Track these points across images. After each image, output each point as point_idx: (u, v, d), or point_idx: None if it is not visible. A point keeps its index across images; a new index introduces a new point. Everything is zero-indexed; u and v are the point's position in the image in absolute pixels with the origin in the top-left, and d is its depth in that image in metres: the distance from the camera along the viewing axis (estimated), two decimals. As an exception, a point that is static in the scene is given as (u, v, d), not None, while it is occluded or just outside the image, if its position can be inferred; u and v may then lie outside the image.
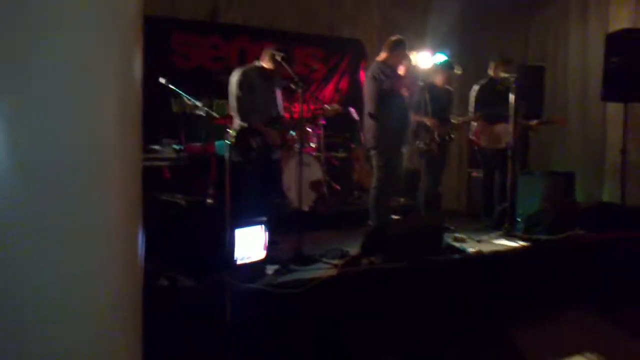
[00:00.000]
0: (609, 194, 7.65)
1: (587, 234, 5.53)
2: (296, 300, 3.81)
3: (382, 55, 5.47)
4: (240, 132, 4.95)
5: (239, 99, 4.95)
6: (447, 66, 6.08)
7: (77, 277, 2.04)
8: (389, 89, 5.25)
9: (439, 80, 6.11)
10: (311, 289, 3.87)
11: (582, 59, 8.08)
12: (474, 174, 7.78)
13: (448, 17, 8.84)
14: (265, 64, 5.09)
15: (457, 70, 6.17)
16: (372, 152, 5.43)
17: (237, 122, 5.02)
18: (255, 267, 4.02)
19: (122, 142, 2.23)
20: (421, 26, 9.14)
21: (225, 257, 3.66)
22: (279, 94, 5.29)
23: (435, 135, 5.83)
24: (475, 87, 6.43)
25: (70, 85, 2.01)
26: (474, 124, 6.40)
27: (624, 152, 6.46)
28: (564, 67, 8.36)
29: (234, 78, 5.02)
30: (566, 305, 5.05)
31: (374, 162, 5.43)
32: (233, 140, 4.95)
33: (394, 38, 5.54)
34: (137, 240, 2.36)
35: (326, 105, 5.80)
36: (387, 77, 5.22)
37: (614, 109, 7.49)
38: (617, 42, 6.34)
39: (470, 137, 6.54)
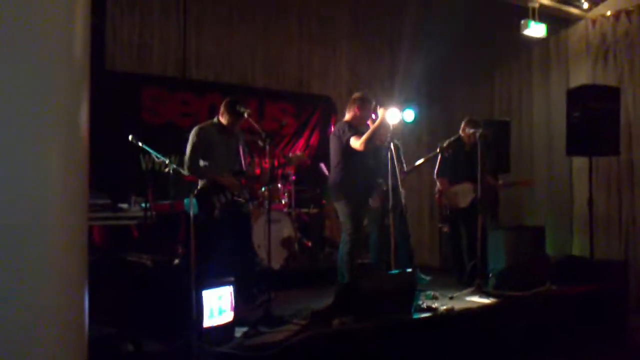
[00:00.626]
0: (578, 246, 7.72)
1: (558, 288, 5.53)
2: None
3: (347, 116, 5.48)
4: (202, 191, 4.92)
5: (192, 154, 4.98)
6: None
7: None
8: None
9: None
10: (281, 352, 3.78)
11: (546, 113, 8.27)
12: (446, 229, 7.80)
13: (415, 73, 9.03)
14: (223, 119, 5.10)
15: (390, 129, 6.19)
16: (338, 204, 5.35)
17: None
18: (223, 330, 3.91)
19: (66, 204, 2.15)
20: (388, 82, 9.32)
21: (192, 320, 3.55)
22: (241, 150, 5.28)
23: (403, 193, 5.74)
24: (444, 144, 6.49)
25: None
26: (438, 184, 6.47)
27: (590, 205, 6.55)
28: (529, 121, 8.54)
29: (191, 134, 5.05)
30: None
31: (341, 215, 5.34)
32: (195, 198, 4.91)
33: (357, 95, 5.53)
34: (83, 310, 2.25)
35: (291, 154, 5.75)
36: (353, 133, 5.21)
37: (580, 162, 7.63)
38: (577, 98, 6.51)
39: (435, 195, 6.58)
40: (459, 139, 6.34)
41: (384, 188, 5.51)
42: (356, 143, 5.16)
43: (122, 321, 3.72)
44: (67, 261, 2.19)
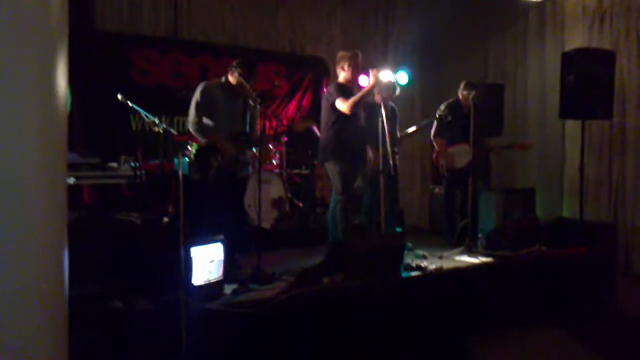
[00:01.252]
0: (568, 209, 7.75)
1: (548, 249, 5.56)
2: (255, 320, 3.73)
3: (340, 77, 5.42)
4: (200, 150, 4.86)
5: (196, 112, 4.84)
6: (388, 85, 6.04)
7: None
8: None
9: (378, 98, 6.06)
10: (270, 308, 3.80)
11: (540, 77, 8.21)
12: (437, 190, 7.82)
13: (409, 36, 8.95)
14: (231, 78, 4.95)
15: (397, 92, 6.13)
16: (327, 165, 5.33)
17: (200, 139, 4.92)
18: (212, 287, 3.93)
19: (43, 160, 2.11)
20: (382, 44, 9.23)
21: (181, 277, 3.55)
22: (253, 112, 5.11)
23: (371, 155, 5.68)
24: (442, 106, 6.46)
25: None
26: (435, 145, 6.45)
27: (581, 168, 6.55)
28: (524, 85, 8.49)
29: (196, 92, 4.92)
30: (529, 321, 5.05)
31: (331, 175, 5.32)
32: (192, 157, 4.86)
33: (342, 53, 5.48)
34: (62, 263, 2.23)
35: (298, 122, 5.63)
36: (339, 95, 5.16)
37: (573, 126, 7.61)
38: (572, 61, 6.44)
39: (433, 156, 6.55)
40: (457, 101, 6.31)
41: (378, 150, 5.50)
42: (342, 106, 5.12)
43: (111, 279, 3.73)
44: (45, 221, 2.16)
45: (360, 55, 5.42)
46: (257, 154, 4.88)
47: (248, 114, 4.75)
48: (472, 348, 4.51)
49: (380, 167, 5.19)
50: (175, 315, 3.45)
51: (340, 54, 5.43)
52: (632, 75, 7.09)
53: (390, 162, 5.25)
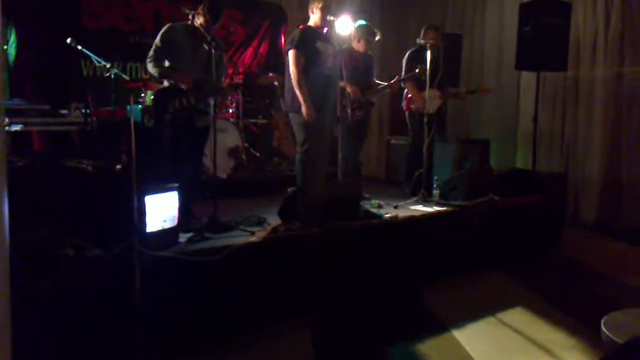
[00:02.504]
0: (522, 160, 7.91)
1: (501, 199, 5.66)
2: (209, 268, 3.72)
3: (311, 20, 5.24)
4: (158, 94, 4.71)
5: (155, 48, 4.60)
6: (368, 32, 5.99)
7: None
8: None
9: (358, 46, 6.02)
10: (225, 256, 3.78)
11: (498, 28, 8.25)
12: (393, 141, 7.85)
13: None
14: (198, 20, 4.65)
15: (378, 36, 6.07)
16: (292, 115, 5.21)
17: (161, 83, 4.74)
18: (167, 235, 3.88)
19: None
20: (342, -9, 9.08)
21: (135, 225, 3.48)
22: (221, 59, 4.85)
23: (348, 103, 5.53)
24: (407, 54, 6.42)
25: None
26: (406, 90, 6.38)
27: (535, 120, 6.66)
28: (481, 36, 8.51)
29: (160, 32, 4.68)
30: (483, 269, 5.22)
31: (294, 125, 5.20)
32: (149, 103, 4.72)
33: None
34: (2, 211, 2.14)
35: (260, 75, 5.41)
36: (297, 46, 5.05)
37: (528, 78, 7.70)
38: (530, 12, 6.47)
39: (402, 103, 6.48)
40: (421, 48, 6.26)
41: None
42: (291, 62, 5.01)
43: (62, 226, 3.63)
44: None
45: None
46: (212, 102, 4.75)
47: (213, 61, 4.50)
48: (422, 293, 4.61)
49: (337, 113, 5.14)
50: (128, 263, 3.40)
51: None
52: (587, 28, 7.18)
53: (349, 110, 5.21)
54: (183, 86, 4.52)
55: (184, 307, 3.61)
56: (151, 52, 4.60)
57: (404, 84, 6.29)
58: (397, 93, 6.67)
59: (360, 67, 5.93)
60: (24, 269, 3.07)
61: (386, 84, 6.05)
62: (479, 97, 8.14)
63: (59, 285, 3.29)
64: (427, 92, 5.91)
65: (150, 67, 4.60)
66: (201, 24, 4.63)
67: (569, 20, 6.55)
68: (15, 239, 2.38)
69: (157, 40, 4.62)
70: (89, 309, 3.30)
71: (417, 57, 6.24)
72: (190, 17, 4.58)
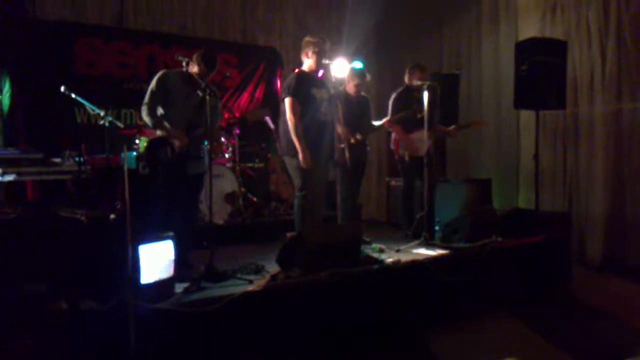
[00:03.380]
0: (524, 199, 7.79)
1: (505, 240, 5.53)
2: (207, 319, 3.57)
3: (304, 65, 5.21)
4: (150, 143, 4.63)
5: (150, 94, 4.54)
6: (359, 73, 5.95)
7: None
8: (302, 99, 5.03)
9: (351, 88, 5.96)
10: (223, 307, 3.63)
11: (494, 67, 8.23)
12: (393, 182, 7.75)
13: (363, 24, 8.84)
14: (192, 68, 4.62)
15: (368, 77, 6.03)
16: (286, 159, 5.13)
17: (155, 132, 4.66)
18: (163, 286, 3.73)
19: None
20: (336, 34, 9.11)
21: (128, 276, 3.34)
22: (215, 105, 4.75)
23: (344, 145, 5.48)
24: (393, 95, 6.37)
25: None
26: (393, 133, 6.31)
27: (536, 158, 6.57)
28: (478, 75, 8.49)
29: (154, 78, 4.64)
30: (487, 312, 5.05)
31: (290, 169, 5.13)
32: (143, 151, 4.63)
33: (310, 38, 5.21)
34: None
35: (251, 111, 5.38)
36: (291, 92, 4.99)
37: (527, 116, 7.65)
38: (525, 51, 6.43)
39: (391, 146, 6.42)
40: (407, 87, 6.23)
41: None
42: (288, 109, 4.97)
43: (55, 279, 3.50)
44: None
45: (328, 43, 5.17)
46: (208, 147, 4.65)
47: (208, 107, 4.39)
48: (429, 339, 4.45)
49: (335, 158, 5.06)
50: (123, 315, 3.26)
51: (307, 39, 5.20)
52: (584, 65, 7.16)
53: (347, 154, 5.12)
54: (176, 143, 4.44)
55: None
56: (147, 99, 4.55)
57: (390, 127, 6.22)
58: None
59: (354, 109, 5.87)
60: (17, 325, 2.94)
61: (377, 124, 6.02)
62: (479, 136, 8.12)
63: (53, 342, 3.15)
64: (421, 133, 5.85)
65: (144, 115, 4.54)
66: (195, 72, 4.58)
67: (565, 58, 6.53)
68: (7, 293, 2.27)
69: (153, 85, 4.56)
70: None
71: (403, 98, 6.20)
72: (184, 64, 4.52)
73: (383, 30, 8.99)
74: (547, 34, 7.38)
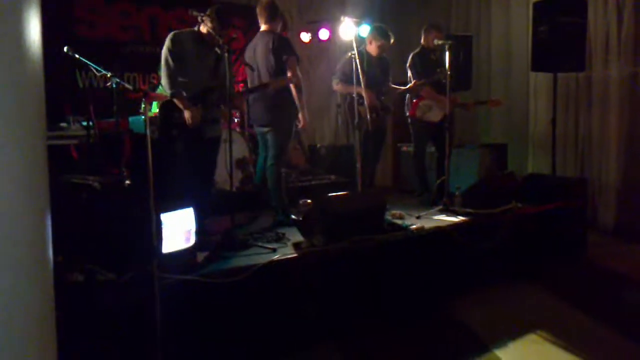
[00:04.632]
0: (533, 164, 7.65)
1: (526, 206, 5.39)
2: (234, 290, 3.41)
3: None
4: (164, 107, 4.40)
5: (167, 68, 4.32)
6: (380, 34, 5.73)
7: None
8: None
9: (373, 49, 5.75)
10: (250, 276, 3.47)
11: (505, 30, 8.01)
12: (405, 148, 7.56)
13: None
14: (204, 27, 4.39)
15: (392, 39, 5.81)
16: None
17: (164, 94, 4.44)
18: (185, 256, 3.55)
19: (18, 120, 1.78)
20: (343, -4, 8.84)
21: (150, 246, 3.15)
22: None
23: (367, 109, 5.27)
24: (410, 57, 6.14)
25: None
26: (408, 96, 6.11)
27: (553, 122, 6.41)
28: (488, 39, 8.26)
29: (166, 41, 4.40)
30: (512, 280, 4.96)
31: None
32: (156, 114, 4.42)
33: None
34: (45, 231, 1.92)
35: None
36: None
37: (537, 80, 7.46)
38: (545, 11, 6.22)
39: (406, 109, 6.21)
40: (423, 49, 6.02)
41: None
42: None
43: (69, 249, 3.30)
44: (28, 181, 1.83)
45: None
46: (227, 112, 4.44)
47: (226, 67, 4.17)
48: (454, 309, 4.33)
49: (356, 121, 4.87)
50: (144, 287, 3.08)
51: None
52: (599, 27, 6.93)
53: (368, 117, 4.92)
54: (189, 120, 4.25)
55: (206, 335, 3.30)
56: (165, 69, 4.33)
57: (419, 91, 5.99)
58: (402, 98, 6.38)
59: (376, 71, 5.65)
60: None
61: (404, 88, 5.79)
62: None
63: (68, 315, 2.97)
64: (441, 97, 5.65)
65: (165, 84, 4.33)
66: (209, 30, 4.34)
67: (585, 18, 6.31)
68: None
69: (166, 52, 4.33)
70: (102, 341, 2.98)
71: (421, 60, 5.98)
72: (199, 19, 4.27)
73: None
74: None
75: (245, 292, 3.47)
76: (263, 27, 5.08)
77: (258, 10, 5.05)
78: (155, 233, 3.09)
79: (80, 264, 3.27)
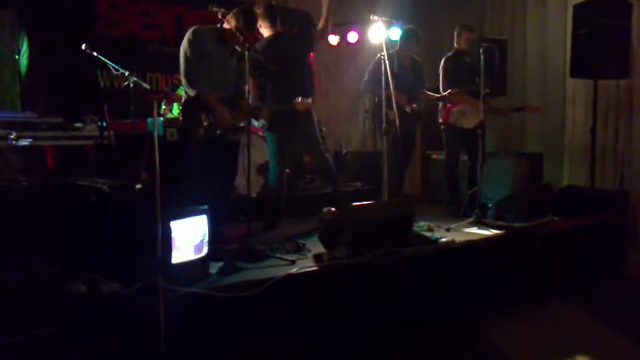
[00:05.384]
0: (569, 176, 7.28)
1: (563, 220, 5.06)
2: (247, 305, 3.15)
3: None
4: (187, 105, 4.17)
5: (186, 62, 4.10)
6: (411, 36, 5.48)
7: None
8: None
9: (402, 51, 5.50)
10: (265, 290, 3.22)
11: (541, 34, 7.66)
12: (435, 156, 7.25)
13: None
14: (227, 24, 4.17)
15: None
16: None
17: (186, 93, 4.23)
18: (196, 267, 3.31)
19: None
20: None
21: (160, 256, 2.92)
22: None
23: (396, 113, 5.01)
24: (443, 61, 5.86)
25: None
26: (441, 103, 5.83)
27: (593, 131, 6.05)
28: (523, 43, 7.91)
29: (186, 36, 4.17)
30: (548, 298, 4.65)
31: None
32: (178, 114, 4.21)
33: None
34: None
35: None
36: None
37: (574, 87, 7.11)
38: (586, 14, 5.88)
39: (439, 116, 5.92)
40: (457, 52, 5.74)
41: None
42: None
43: (73, 257, 3.08)
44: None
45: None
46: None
47: (248, 65, 3.91)
48: (487, 329, 4.02)
49: (383, 126, 4.60)
50: (151, 300, 2.85)
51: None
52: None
53: (398, 122, 4.63)
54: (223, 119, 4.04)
55: (216, 353, 3.05)
56: (184, 66, 4.09)
57: (456, 99, 5.69)
58: (434, 104, 6.09)
59: (407, 75, 5.39)
60: (30, 310, 2.54)
61: (438, 95, 5.52)
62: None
63: (70, 329, 2.74)
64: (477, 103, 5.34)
65: (187, 87, 4.11)
66: (232, 28, 4.11)
67: (629, 20, 5.94)
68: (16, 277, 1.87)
69: (187, 49, 4.10)
70: (104, 358, 2.75)
71: (455, 64, 5.70)
72: (219, 16, 4.04)
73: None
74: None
75: (259, 308, 3.22)
76: (270, 32, 4.91)
77: (259, 18, 4.83)
78: (161, 242, 2.85)
79: (84, 273, 3.05)
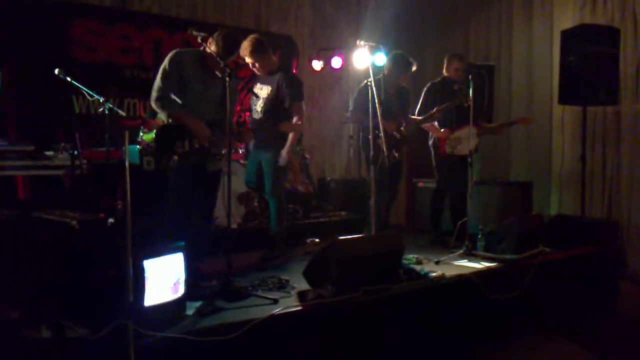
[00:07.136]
0: (557, 204, 7.15)
1: (554, 250, 4.90)
2: (226, 349, 2.93)
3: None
4: (162, 132, 3.95)
5: (162, 82, 3.92)
6: (400, 62, 5.36)
7: None
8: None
9: (389, 77, 5.37)
10: (245, 333, 2.99)
11: (527, 60, 7.58)
12: (421, 184, 7.08)
13: (384, 13, 8.22)
14: (210, 48, 3.98)
15: (414, 67, 5.43)
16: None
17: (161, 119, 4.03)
18: (171, 309, 3.08)
19: None
20: (355, 23, 8.50)
21: (130, 297, 2.68)
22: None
23: (384, 142, 4.83)
24: (426, 87, 5.72)
25: None
26: (434, 137, 5.69)
27: (583, 159, 5.93)
28: (508, 69, 7.83)
29: (166, 58, 4.00)
30: (542, 333, 4.49)
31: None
32: (151, 141, 3.99)
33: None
34: None
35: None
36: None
37: (561, 114, 7.01)
38: (573, 39, 5.81)
39: (430, 143, 5.77)
40: (445, 79, 5.62)
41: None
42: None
43: (36, 300, 2.84)
44: None
45: None
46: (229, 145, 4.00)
47: (228, 96, 3.73)
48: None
49: (371, 155, 4.42)
50: (121, 347, 2.62)
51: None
52: (629, 59, 6.47)
53: (385, 151, 4.46)
54: (196, 144, 3.88)
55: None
56: (158, 84, 3.90)
57: (421, 124, 5.60)
58: (421, 131, 5.95)
59: (394, 101, 5.24)
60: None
61: (422, 117, 5.39)
62: (507, 134, 7.46)
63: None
64: (467, 129, 5.20)
65: (157, 107, 3.92)
66: (212, 53, 3.93)
67: (617, 47, 5.88)
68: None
69: (165, 66, 3.92)
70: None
71: (437, 91, 5.59)
72: (199, 39, 3.84)
73: (405, 19, 8.32)
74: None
75: (240, 352, 2.99)
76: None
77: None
78: (132, 282, 2.62)
79: (48, 317, 2.80)
